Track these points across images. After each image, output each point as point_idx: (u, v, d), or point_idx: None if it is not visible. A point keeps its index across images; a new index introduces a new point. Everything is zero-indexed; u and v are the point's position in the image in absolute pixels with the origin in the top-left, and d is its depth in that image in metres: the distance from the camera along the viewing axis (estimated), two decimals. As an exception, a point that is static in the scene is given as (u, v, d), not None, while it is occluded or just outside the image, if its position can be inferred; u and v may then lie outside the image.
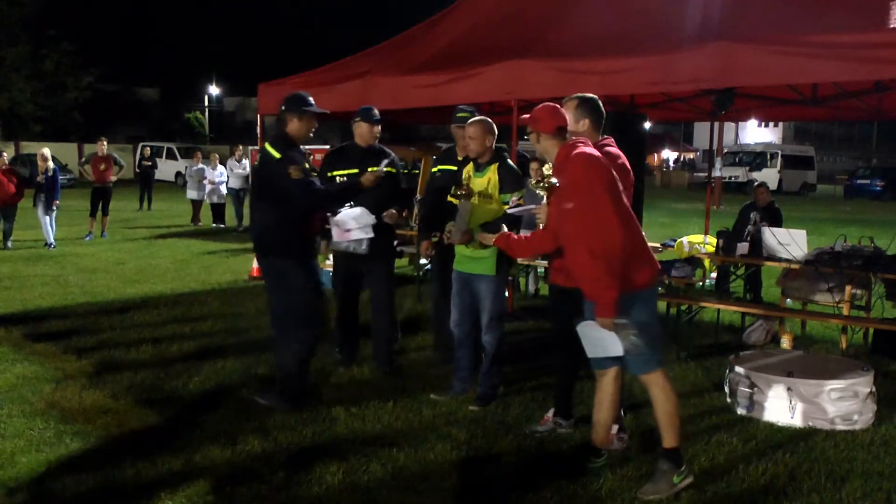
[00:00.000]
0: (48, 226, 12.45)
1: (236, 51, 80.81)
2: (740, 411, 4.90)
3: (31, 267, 10.34)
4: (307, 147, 13.75)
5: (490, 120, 4.92)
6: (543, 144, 3.88)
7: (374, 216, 5.12)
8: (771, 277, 8.20)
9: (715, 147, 13.03)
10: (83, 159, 15.13)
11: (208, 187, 16.66)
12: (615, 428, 4.18)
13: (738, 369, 4.98)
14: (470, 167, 4.96)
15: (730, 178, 34.54)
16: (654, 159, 55.72)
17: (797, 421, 4.69)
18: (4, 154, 12.58)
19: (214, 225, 16.62)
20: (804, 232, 6.42)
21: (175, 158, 34.11)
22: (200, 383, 5.28)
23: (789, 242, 6.35)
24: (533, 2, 7.67)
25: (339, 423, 4.52)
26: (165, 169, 32.01)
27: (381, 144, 5.66)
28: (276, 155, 4.63)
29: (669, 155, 59.71)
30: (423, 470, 3.94)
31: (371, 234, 5.12)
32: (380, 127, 5.58)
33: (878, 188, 34.11)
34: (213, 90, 57.28)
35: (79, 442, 4.22)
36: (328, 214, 5.12)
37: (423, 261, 8.21)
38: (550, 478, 3.84)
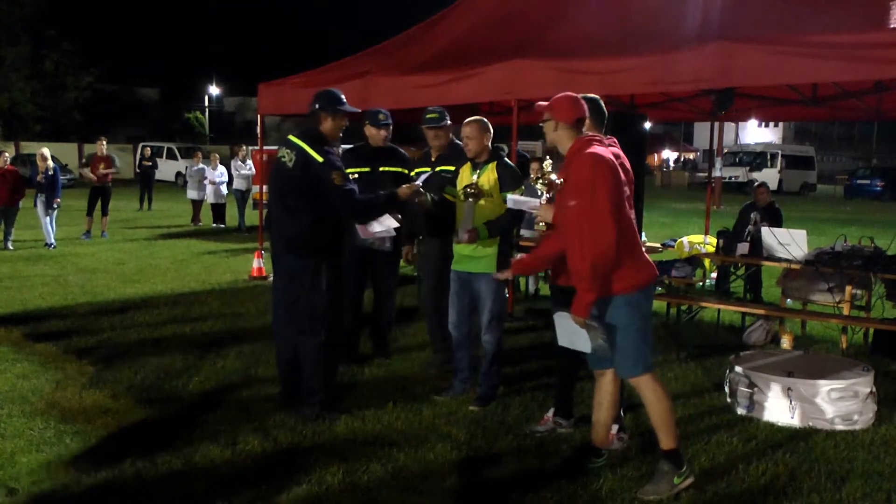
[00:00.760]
0: (48, 226, 12.45)
1: (236, 51, 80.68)
2: (740, 411, 4.90)
3: (31, 267, 10.33)
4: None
5: (485, 119, 4.94)
6: (559, 133, 3.75)
7: (397, 213, 5.11)
8: (771, 277, 8.19)
9: (715, 147, 13.06)
10: (83, 161, 15.19)
11: (208, 187, 16.68)
12: (615, 428, 4.19)
13: (738, 369, 4.98)
14: (467, 167, 4.97)
15: (730, 178, 34.52)
16: (655, 159, 55.76)
17: (797, 421, 4.68)
18: (6, 154, 12.59)
19: (214, 225, 16.63)
20: (804, 232, 6.42)
21: (175, 158, 34.06)
22: (200, 383, 5.28)
23: (789, 242, 6.34)
24: (533, 2, 7.68)
25: (339, 423, 4.52)
26: (165, 169, 31.97)
27: (392, 144, 5.77)
28: (319, 158, 4.49)
29: (669, 155, 59.71)
30: (423, 470, 3.94)
31: (394, 232, 5.14)
32: (386, 130, 5.61)
33: (878, 188, 34.11)
34: (213, 90, 57.28)
35: (79, 442, 4.21)
36: None
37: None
38: (550, 478, 3.84)
